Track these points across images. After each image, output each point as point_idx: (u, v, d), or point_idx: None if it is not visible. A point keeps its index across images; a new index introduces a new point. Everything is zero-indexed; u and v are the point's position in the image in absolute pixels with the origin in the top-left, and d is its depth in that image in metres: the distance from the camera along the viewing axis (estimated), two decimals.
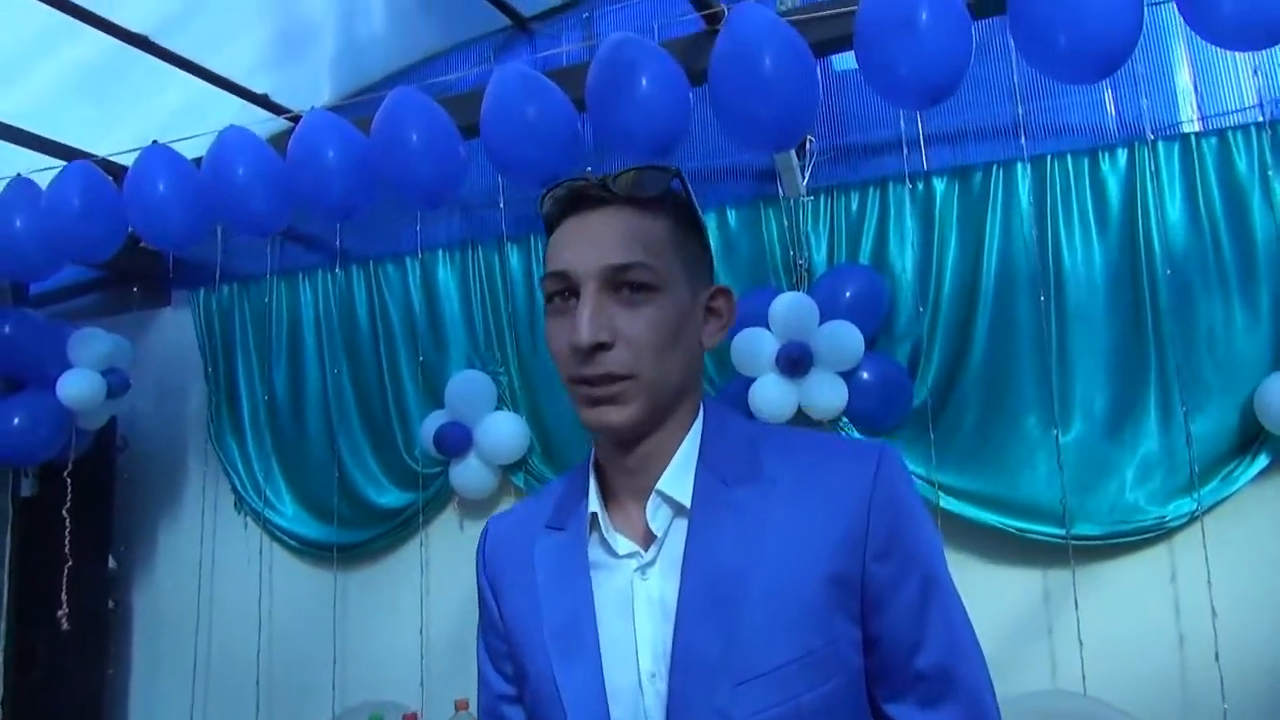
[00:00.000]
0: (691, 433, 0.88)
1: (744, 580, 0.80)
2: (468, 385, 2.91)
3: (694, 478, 0.86)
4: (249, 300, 3.30)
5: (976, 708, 0.84)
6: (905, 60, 1.87)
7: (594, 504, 0.88)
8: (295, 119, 2.61)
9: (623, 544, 0.86)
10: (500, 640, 0.93)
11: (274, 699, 3.07)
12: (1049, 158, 2.51)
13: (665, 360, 0.83)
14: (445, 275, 3.08)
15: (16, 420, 2.78)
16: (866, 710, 0.85)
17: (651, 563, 0.85)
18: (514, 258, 3.00)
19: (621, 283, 0.83)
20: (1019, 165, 2.53)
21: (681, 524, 0.85)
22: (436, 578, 3.00)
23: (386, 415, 3.08)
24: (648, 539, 0.86)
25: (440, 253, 3.07)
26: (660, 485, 0.85)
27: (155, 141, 2.45)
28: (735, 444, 0.88)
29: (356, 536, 3.08)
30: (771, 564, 0.80)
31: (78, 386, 2.80)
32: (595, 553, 0.88)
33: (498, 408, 2.92)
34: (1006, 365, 2.48)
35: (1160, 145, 2.44)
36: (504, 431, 2.85)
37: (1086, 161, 2.50)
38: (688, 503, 0.85)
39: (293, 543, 3.18)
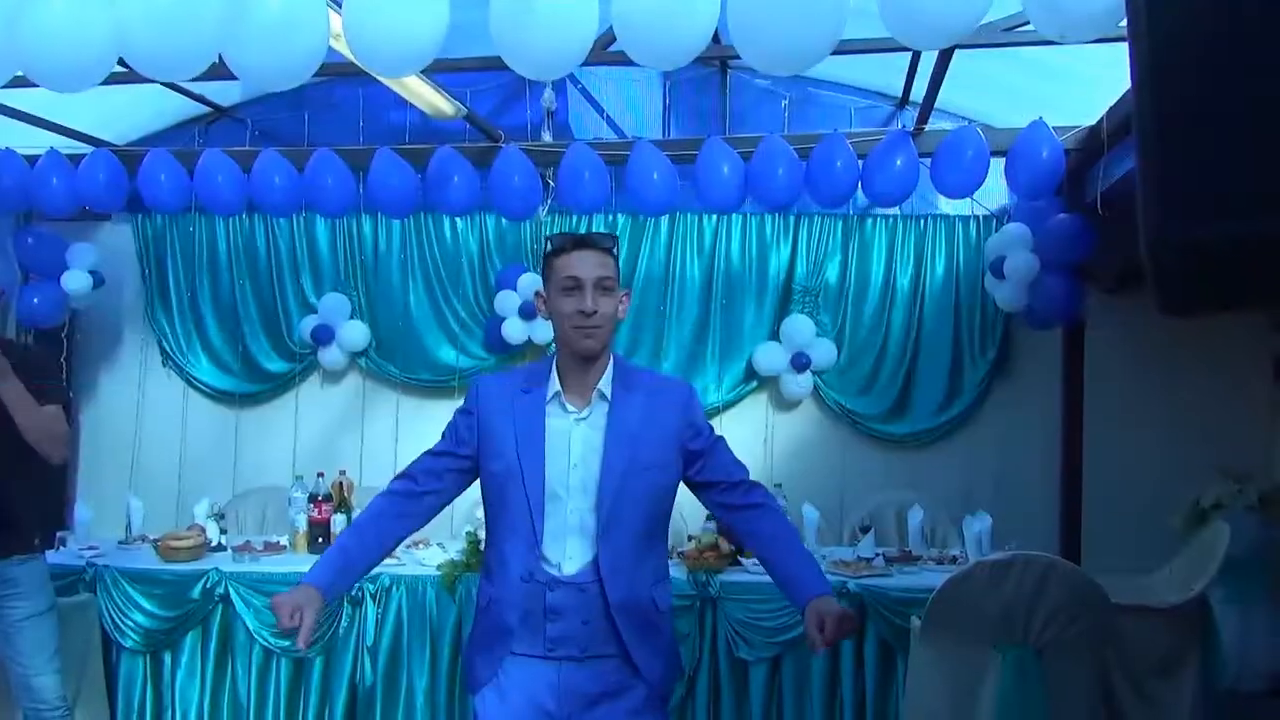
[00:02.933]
0: (610, 365, 2.01)
1: (638, 432, 1.97)
2: (333, 301, 5.00)
3: (612, 386, 2.00)
4: (178, 229, 5.17)
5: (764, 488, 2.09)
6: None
7: (556, 388, 2.00)
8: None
9: (570, 407, 1.99)
10: (469, 432, 2.02)
11: (187, 485, 5.08)
12: (680, 216, 4.86)
13: (610, 324, 1.97)
14: (321, 231, 5.10)
15: (36, 300, 4.60)
16: (674, 495, 2.05)
17: (584, 419, 1.98)
18: (367, 225, 5.06)
19: (600, 285, 1.95)
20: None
21: (603, 406, 1.98)
22: (304, 418, 5.13)
23: (275, 314, 5.13)
24: (583, 408, 1.99)
25: (318, 216, 5.05)
26: (599, 385, 1.99)
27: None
28: (628, 373, 2.04)
29: (251, 388, 5.16)
30: (649, 427, 1.98)
31: (77, 282, 4.64)
32: (551, 408, 1.98)
33: (352, 317, 5.03)
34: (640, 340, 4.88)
35: (732, 218, 4.85)
36: (355, 332, 4.98)
37: (696, 221, 4.88)
38: (609, 395, 1.99)
39: (205, 389, 5.20)
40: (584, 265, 1.96)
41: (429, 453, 2.09)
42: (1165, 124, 1.14)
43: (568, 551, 1.95)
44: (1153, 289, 1.33)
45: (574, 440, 1.97)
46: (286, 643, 3.56)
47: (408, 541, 3.84)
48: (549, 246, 2.04)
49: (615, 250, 2.04)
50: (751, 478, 2.09)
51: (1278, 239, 1.08)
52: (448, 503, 2.08)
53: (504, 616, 1.97)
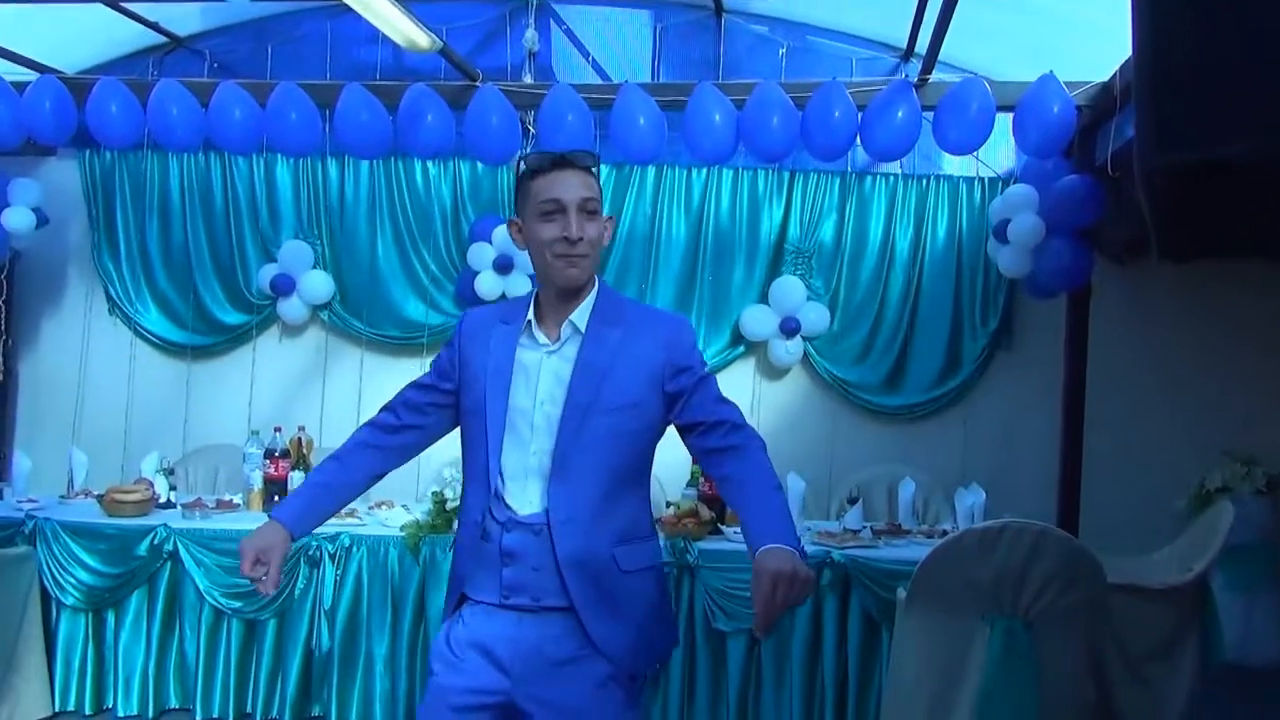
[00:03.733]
0: (590, 295, 1.95)
1: (609, 368, 1.90)
2: (295, 249, 5.02)
3: (589, 317, 1.93)
4: (128, 167, 5.16)
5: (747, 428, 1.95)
6: None
7: (530, 315, 1.95)
8: None
9: (541, 338, 1.94)
10: (450, 365, 2.01)
11: (134, 440, 5.09)
12: (667, 168, 4.89)
13: (595, 251, 1.93)
14: (282, 172, 5.10)
15: None
16: (654, 441, 1.97)
17: (554, 351, 1.93)
18: (332, 168, 5.07)
19: (584, 208, 1.88)
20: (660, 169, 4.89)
21: (576, 338, 1.92)
22: (260, 373, 5.15)
23: (232, 261, 5.14)
24: (555, 340, 1.93)
25: (279, 156, 5.05)
26: (572, 316, 1.92)
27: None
28: (612, 305, 1.97)
29: (204, 341, 5.17)
30: (622, 363, 1.91)
31: (19, 219, 4.63)
32: (524, 341, 1.95)
33: (314, 266, 5.04)
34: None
35: (722, 171, 4.89)
36: (317, 283, 5.00)
37: (684, 173, 4.91)
38: (583, 329, 1.92)
39: (155, 340, 5.21)
40: (566, 186, 1.89)
41: (413, 384, 2.08)
42: (1157, 58, 1.32)
43: (527, 494, 1.91)
44: (1151, 231, 1.48)
45: (543, 374, 1.93)
46: (238, 604, 3.60)
47: (371, 501, 3.97)
48: (523, 167, 1.96)
49: (597, 169, 1.97)
50: (743, 418, 1.97)
51: (1257, 161, 1.20)
52: (430, 441, 2.07)
53: (461, 559, 1.98)
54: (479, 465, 1.94)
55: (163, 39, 4.98)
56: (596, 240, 1.93)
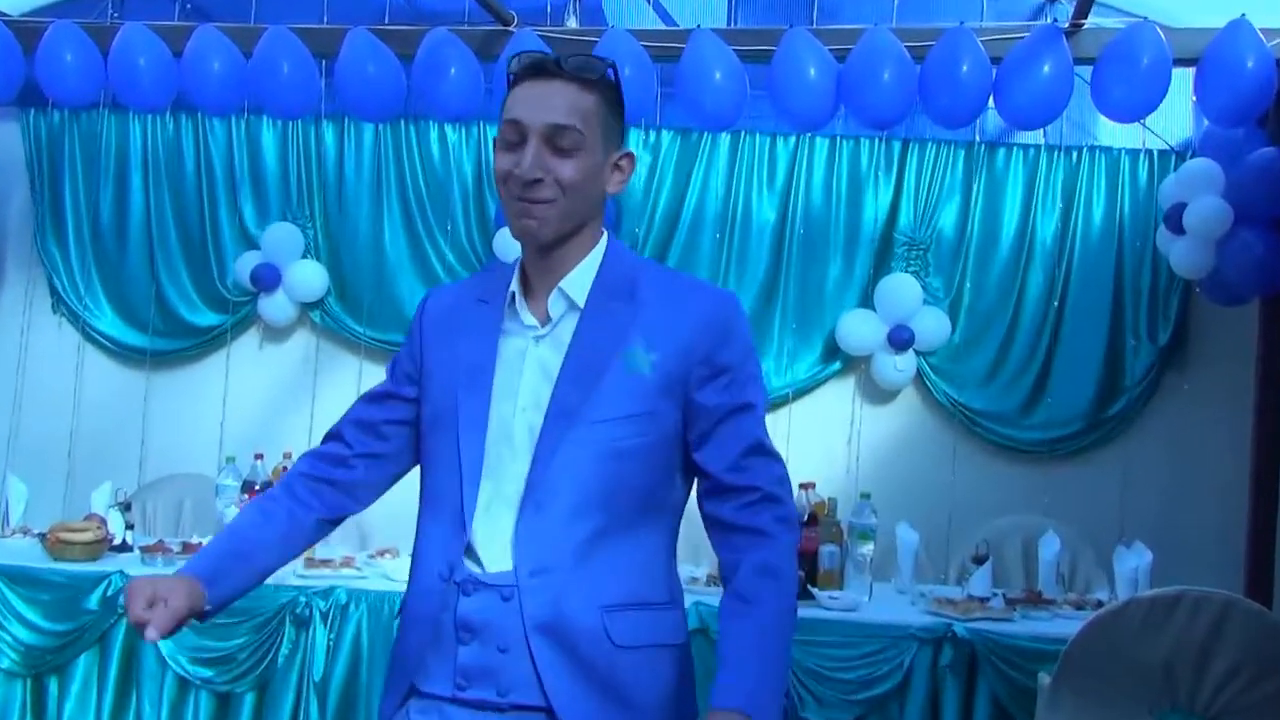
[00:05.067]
0: (592, 255, 1.78)
1: (606, 362, 1.71)
2: (281, 233, 5.13)
3: (590, 288, 1.76)
4: (79, 128, 5.30)
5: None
6: None
7: (514, 287, 1.77)
8: None
9: (527, 318, 1.76)
10: (412, 365, 1.85)
11: (83, 466, 5.21)
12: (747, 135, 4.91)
13: (573, 199, 1.70)
14: (268, 138, 5.22)
15: None
16: (673, 465, 1.76)
17: (544, 336, 1.75)
18: (329, 133, 5.17)
19: (553, 138, 1.67)
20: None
21: (573, 317, 1.75)
22: (236, 386, 5.26)
23: (204, 248, 5.27)
24: (545, 321, 1.75)
25: (265, 118, 5.15)
26: (562, 284, 1.74)
27: None
28: (623, 271, 1.79)
29: (168, 345, 5.30)
30: (623, 352, 1.71)
31: None
32: (508, 323, 1.77)
33: (304, 255, 5.14)
34: None
35: (816, 140, 4.90)
36: (308, 275, 5.09)
37: (767, 142, 4.94)
38: (581, 303, 1.74)
39: (108, 344, 5.35)
40: (534, 105, 1.70)
41: (365, 397, 1.94)
42: None
43: (496, 542, 1.72)
44: None
45: (527, 368, 1.76)
46: (209, 672, 3.66)
47: (371, 548, 4.04)
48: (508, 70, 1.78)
49: (602, 80, 1.75)
50: (782, 488, 1.79)
51: None
52: (398, 473, 1.94)
53: (408, 634, 1.80)
54: (443, 502, 1.77)
55: None
56: (574, 183, 1.71)
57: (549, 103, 1.69)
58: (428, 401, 1.83)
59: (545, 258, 1.76)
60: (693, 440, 1.77)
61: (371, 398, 1.92)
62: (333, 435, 1.93)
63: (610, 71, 1.75)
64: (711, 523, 1.79)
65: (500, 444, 1.74)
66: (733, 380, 1.76)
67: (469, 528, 1.72)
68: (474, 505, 1.73)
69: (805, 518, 3.89)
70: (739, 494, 1.75)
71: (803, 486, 3.98)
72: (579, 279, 1.77)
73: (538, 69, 1.72)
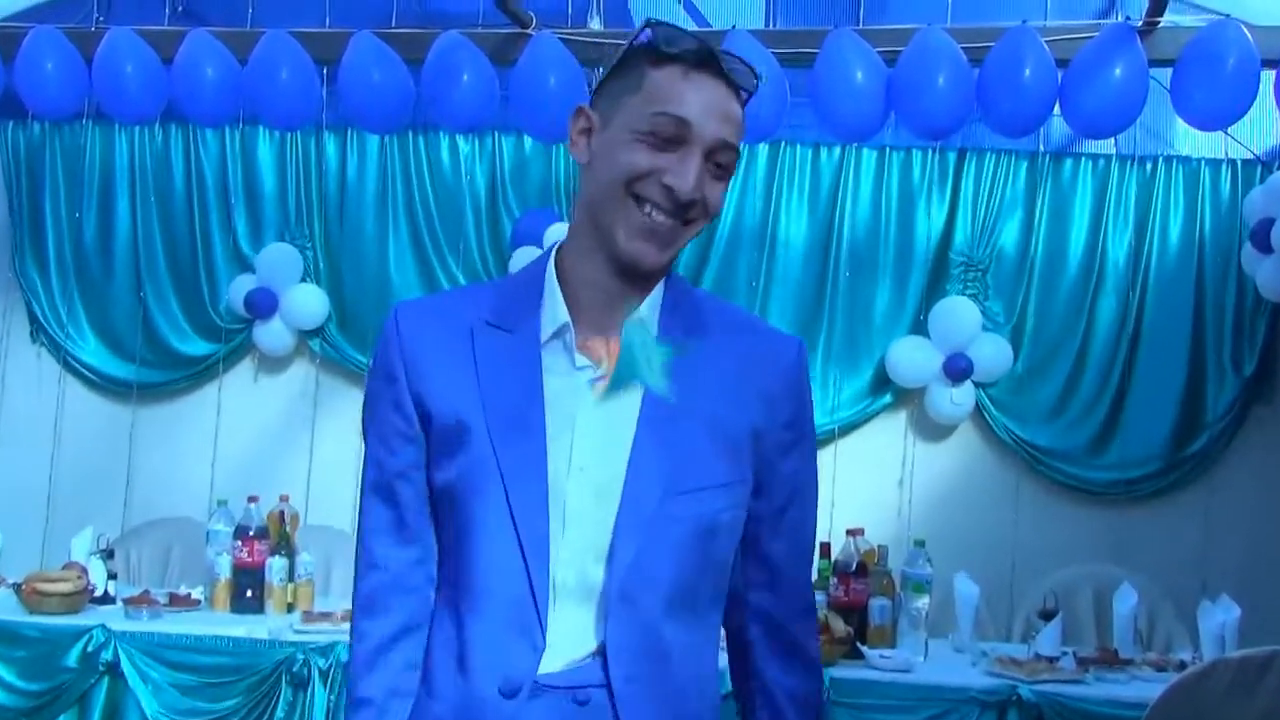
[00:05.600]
0: (659, 287, 1.59)
1: (690, 411, 1.52)
2: (278, 255, 5.16)
3: (658, 323, 1.58)
4: (61, 141, 5.36)
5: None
6: None
7: (564, 316, 1.55)
8: None
9: (580, 359, 1.54)
10: (404, 420, 1.56)
11: (62, 510, 5.25)
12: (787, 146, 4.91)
13: (700, 227, 1.57)
14: (264, 151, 5.26)
15: None
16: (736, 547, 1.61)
17: (601, 379, 1.54)
18: (331, 145, 5.21)
19: (718, 155, 1.51)
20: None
21: None
22: (228, 421, 5.28)
23: (195, 271, 5.31)
24: (599, 359, 1.55)
25: (261, 129, 5.20)
26: (640, 312, 1.55)
27: None
28: (691, 303, 1.63)
29: (156, 377, 5.33)
30: (711, 404, 1.54)
31: None
32: (552, 358, 1.55)
33: (304, 279, 5.17)
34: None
35: (863, 152, 4.90)
36: (308, 301, 5.12)
37: (809, 153, 4.94)
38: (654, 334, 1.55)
39: (91, 376, 5.39)
40: (706, 105, 1.51)
41: (388, 541, 1.60)
42: None
43: (555, 627, 1.51)
44: None
45: (580, 420, 1.55)
46: None
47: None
48: (646, 37, 1.55)
49: (748, 97, 1.59)
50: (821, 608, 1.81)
51: None
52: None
53: None
54: (490, 589, 1.53)
55: None
56: (717, 211, 1.59)
57: (724, 110, 1.52)
58: (445, 458, 1.56)
59: (631, 286, 1.57)
60: (759, 516, 1.63)
61: (396, 539, 1.60)
62: (379, 599, 1.58)
63: (756, 85, 1.60)
64: (753, 616, 1.66)
65: (556, 515, 1.52)
66: (802, 448, 1.65)
67: (544, 623, 1.50)
68: (547, 594, 1.51)
69: (854, 567, 3.88)
70: (795, 595, 1.67)
71: (850, 533, 3.96)
72: (647, 313, 1.58)
73: (706, 61, 1.52)
